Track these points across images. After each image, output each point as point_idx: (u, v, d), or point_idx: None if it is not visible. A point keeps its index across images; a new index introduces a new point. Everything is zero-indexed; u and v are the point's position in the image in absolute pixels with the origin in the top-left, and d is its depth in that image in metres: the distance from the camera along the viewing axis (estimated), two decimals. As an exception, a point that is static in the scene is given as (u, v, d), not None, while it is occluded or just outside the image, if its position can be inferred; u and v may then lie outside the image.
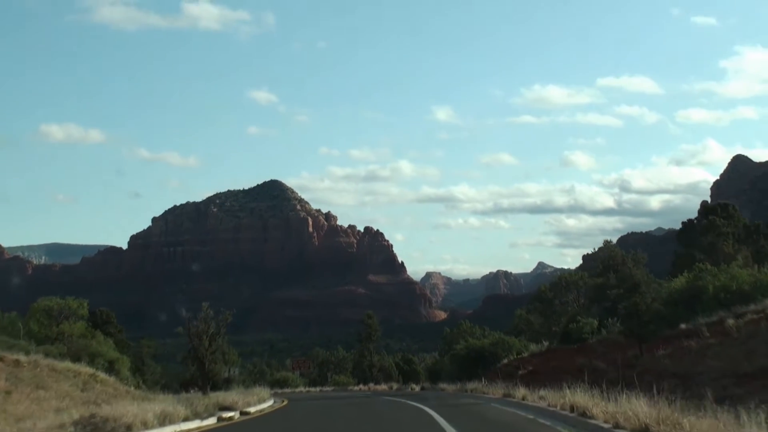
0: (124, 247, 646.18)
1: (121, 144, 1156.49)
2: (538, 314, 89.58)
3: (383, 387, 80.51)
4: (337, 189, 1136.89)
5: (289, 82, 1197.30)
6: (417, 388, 76.48)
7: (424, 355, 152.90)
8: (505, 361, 66.95)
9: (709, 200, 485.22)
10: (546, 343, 67.31)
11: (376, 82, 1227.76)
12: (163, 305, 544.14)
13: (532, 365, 56.55)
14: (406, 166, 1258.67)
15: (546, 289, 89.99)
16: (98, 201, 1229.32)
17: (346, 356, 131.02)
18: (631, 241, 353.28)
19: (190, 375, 70.10)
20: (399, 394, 63.74)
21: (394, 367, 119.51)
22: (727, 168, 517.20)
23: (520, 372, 54.04)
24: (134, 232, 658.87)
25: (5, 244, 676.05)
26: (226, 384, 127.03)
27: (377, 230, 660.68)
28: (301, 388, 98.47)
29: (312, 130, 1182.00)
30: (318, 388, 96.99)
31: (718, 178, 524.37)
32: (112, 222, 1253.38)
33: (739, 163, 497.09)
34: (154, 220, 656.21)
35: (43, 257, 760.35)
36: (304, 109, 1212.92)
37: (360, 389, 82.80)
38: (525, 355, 66.18)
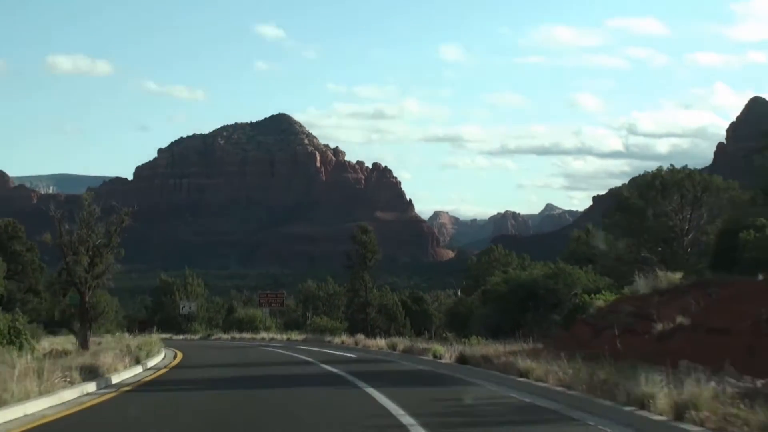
0: (130, 178, 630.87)
1: (128, 76, 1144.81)
2: (620, 231, 57.36)
3: (378, 344, 49.28)
4: (344, 126, 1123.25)
5: (297, 17, 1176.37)
6: (446, 353, 34.75)
7: (437, 293, 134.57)
8: (598, 304, 37.45)
9: (725, 142, 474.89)
10: (675, 275, 32.46)
11: (384, 19, 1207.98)
12: (168, 237, 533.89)
13: (671, 317, 24.73)
14: (413, 105, 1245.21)
15: (632, 195, 56.63)
16: (106, 132, 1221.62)
17: (337, 291, 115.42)
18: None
19: (60, 311, 52.76)
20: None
21: (399, 307, 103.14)
22: (744, 110, 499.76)
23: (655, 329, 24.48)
24: (140, 164, 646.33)
25: (14, 174, 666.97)
26: (186, 321, 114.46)
27: (385, 167, 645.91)
28: (263, 335, 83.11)
29: (319, 66, 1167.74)
30: (282, 335, 78.64)
31: (734, 120, 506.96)
32: (119, 153, 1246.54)
33: (756, 105, 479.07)
34: (160, 151, 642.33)
35: (51, 187, 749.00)
36: (311, 44, 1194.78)
37: (342, 343, 58.41)
38: (625, 293, 36.34)
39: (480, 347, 34.69)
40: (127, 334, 77.65)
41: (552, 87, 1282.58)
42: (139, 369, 33.42)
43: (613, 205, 63.67)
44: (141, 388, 26.29)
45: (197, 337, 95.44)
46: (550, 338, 37.01)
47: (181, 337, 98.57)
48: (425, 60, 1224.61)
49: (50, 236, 52.39)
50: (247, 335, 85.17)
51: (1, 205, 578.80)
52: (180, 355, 48.71)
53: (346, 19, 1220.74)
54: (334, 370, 32.75)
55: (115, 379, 27.60)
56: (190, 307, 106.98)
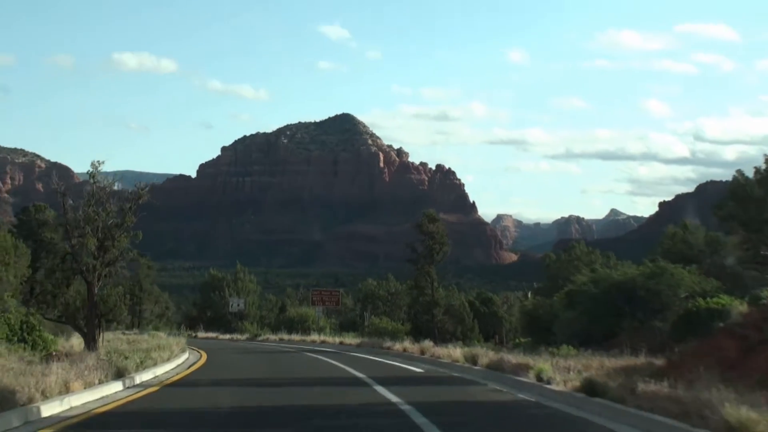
0: (193, 175, 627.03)
1: (193, 74, 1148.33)
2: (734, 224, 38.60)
3: (452, 354, 36.84)
4: (408, 127, 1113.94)
5: (361, 17, 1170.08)
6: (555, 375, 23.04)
7: (506, 294, 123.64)
8: (740, 310, 29.04)
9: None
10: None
11: (449, 20, 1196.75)
12: (231, 235, 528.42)
13: None
14: (477, 107, 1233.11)
15: (749, 183, 38.59)
16: (170, 130, 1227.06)
17: (400, 290, 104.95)
18: (710, 190, 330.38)
19: (62, 307, 42.67)
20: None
21: (467, 308, 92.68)
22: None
23: None
24: (204, 161, 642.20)
25: (81, 170, 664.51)
26: (236, 319, 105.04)
27: (449, 168, 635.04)
28: (314, 337, 73.43)
29: (383, 68, 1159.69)
30: (334, 338, 68.48)
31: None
32: (183, 151, 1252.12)
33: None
34: (223, 149, 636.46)
35: (117, 184, 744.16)
36: (375, 45, 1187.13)
37: (404, 350, 45.77)
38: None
39: (585, 361, 26.38)
40: (162, 333, 68.68)
41: (617, 91, 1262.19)
42: (114, 387, 23.36)
43: (727, 194, 52.83)
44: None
45: (243, 337, 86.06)
46: (674, 352, 26.91)
47: (227, 336, 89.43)
48: (490, 62, 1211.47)
49: (54, 213, 43.29)
50: (296, 337, 75.69)
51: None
52: (200, 363, 39.26)
53: (411, 20, 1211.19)
54: (395, 399, 21.60)
55: (45, 411, 17.44)
56: (239, 305, 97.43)
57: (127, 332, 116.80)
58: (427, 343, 42.35)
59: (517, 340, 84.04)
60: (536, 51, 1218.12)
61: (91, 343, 41.13)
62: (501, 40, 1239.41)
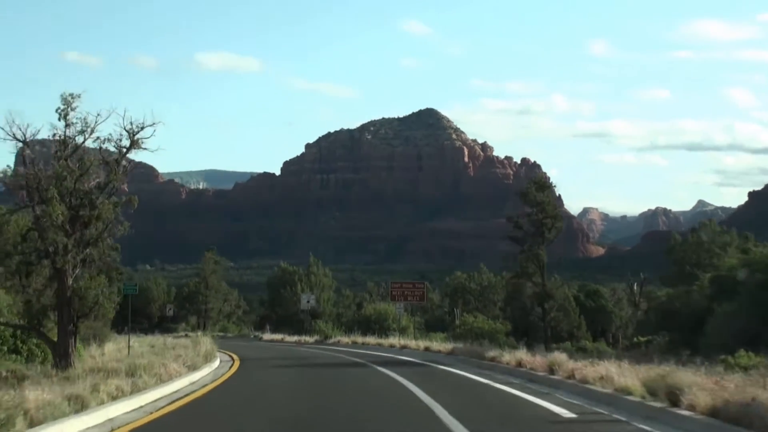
0: (278, 173, 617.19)
1: (276, 73, 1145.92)
2: None
3: (616, 380, 20.37)
4: (491, 122, 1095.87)
5: (443, 13, 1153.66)
6: None
7: (612, 286, 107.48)
8: None
9: None
10: None
11: (530, 14, 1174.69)
12: (315, 232, 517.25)
13: None
14: (560, 100, 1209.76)
15: None
16: (254, 128, 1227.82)
17: (492, 282, 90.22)
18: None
19: (25, 302, 29.18)
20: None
21: (572, 302, 77.25)
22: None
23: None
24: (287, 159, 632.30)
25: (165, 170, 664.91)
26: (309, 318, 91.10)
27: (534, 161, 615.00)
28: (394, 340, 58.12)
29: (465, 63, 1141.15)
30: (417, 342, 52.21)
31: None
32: (267, 149, 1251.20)
33: None
34: (307, 146, 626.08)
35: (201, 183, 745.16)
36: (457, 41, 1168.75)
37: (518, 364, 30.50)
38: None
39: None
40: (207, 338, 55.13)
41: (702, 82, 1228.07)
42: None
43: None
44: None
45: (312, 339, 72.18)
46: None
47: (294, 339, 75.66)
48: (572, 55, 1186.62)
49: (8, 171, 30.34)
50: (372, 339, 61.20)
51: (150, 199, 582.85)
52: (201, 392, 24.91)
53: (492, 15, 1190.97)
54: None
55: None
56: (309, 301, 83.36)
57: (190, 334, 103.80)
58: (558, 357, 26.83)
59: (636, 339, 69.66)
60: (619, 42, 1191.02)
61: (61, 357, 27.99)
62: (583, 33, 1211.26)
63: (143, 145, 30.06)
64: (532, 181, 54.90)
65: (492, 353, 34.46)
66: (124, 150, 29.80)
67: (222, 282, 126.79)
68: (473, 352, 37.78)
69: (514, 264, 57.14)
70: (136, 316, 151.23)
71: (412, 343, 52.41)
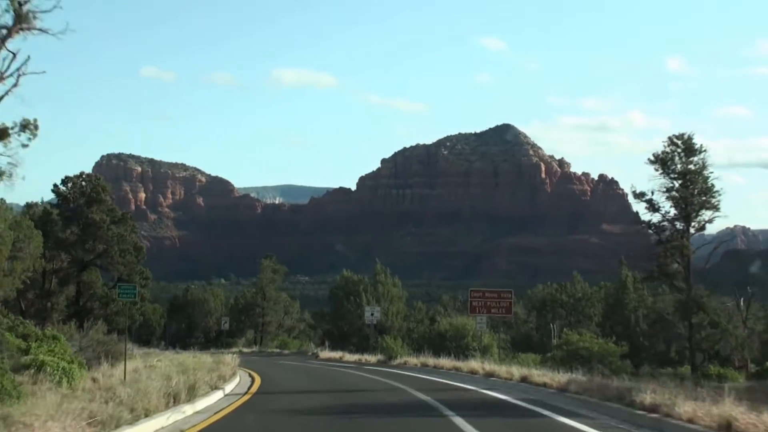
0: (353, 188, 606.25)
1: (351, 89, 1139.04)
2: None
3: None
4: (567, 139, 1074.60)
5: (518, 29, 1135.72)
6: None
7: (722, 299, 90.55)
8: None
9: None
10: None
11: (607, 30, 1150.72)
12: (391, 248, 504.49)
13: None
14: (637, 117, 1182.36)
15: None
16: (329, 143, 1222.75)
17: (588, 294, 75.56)
18: None
19: None
20: None
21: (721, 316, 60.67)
22: None
23: None
24: (363, 174, 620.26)
25: (242, 185, 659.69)
26: (375, 333, 76.83)
27: (612, 178, 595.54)
28: (475, 364, 42.86)
29: (541, 79, 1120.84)
30: (509, 369, 37.97)
31: None
32: (343, 164, 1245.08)
33: None
34: (383, 161, 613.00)
35: (278, 198, 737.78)
36: (533, 56, 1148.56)
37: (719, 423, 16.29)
38: None
39: None
40: (229, 356, 42.11)
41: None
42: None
43: None
44: None
45: (375, 359, 58.05)
46: None
47: (354, 358, 62.00)
48: (650, 72, 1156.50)
49: None
50: (447, 362, 46.41)
51: (226, 213, 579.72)
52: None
53: (567, 31, 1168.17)
54: None
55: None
56: (373, 314, 69.36)
57: (245, 350, 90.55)
58: None
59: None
60: (695, 59, 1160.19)
61: None
62: (659, 49, 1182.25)
63: (37, 23, 16.41)
64: (673, 140, 39.17)
65: (645, 397, 20.07)
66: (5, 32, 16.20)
67: (281, 293, 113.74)
68: (608, 391, 23.07)
69: (643, 262, 42.35)
70: (192, 331, 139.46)
71: (500, 369, 37.83)
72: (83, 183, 61.57)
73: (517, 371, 35.22)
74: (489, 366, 40.22)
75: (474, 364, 42.35)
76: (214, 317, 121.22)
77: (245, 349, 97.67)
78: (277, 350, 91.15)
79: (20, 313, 48.24)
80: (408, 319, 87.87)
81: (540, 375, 32.06)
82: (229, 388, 30.71)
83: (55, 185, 61.88)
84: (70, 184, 61.06)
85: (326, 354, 69.76)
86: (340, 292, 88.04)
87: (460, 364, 44.08)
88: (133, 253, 61.67)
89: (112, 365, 35.31)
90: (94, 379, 28.09)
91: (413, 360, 50.74)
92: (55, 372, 26.89)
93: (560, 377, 30.00)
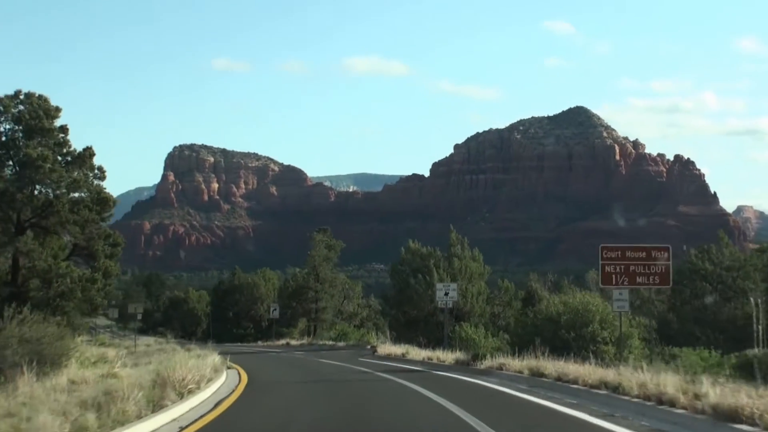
0: (426, 174, 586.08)
1: (422, 76, 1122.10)
2: None
3: None
4: (639, 121, 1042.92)
5: (586, 12, 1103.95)
6: None
7: None
8: None
9: None
10: None
11: (675, 12, 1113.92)
12: (465, 233, 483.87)
13: None
14: (710, 98, 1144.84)
15: None
16: (402, 131, 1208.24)
17: (742, 260, 54.73)
18: None
19: None
20: None
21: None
22: None
23: None
24: (436, 160, 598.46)
25: (315, 174, 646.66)
26: (451, 319, 55.78)
27: (687, 158, 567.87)
28: (612, 374, 21.29)
29: (610, 61, 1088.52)
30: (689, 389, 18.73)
31: None
32: (416, 151, 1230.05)
33: None
34: (456, 147, 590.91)
35: (351, 186, 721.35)
36: (601, 39, 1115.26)
37: None
38: None
39: None
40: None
41: None
42: None
43: None
44: None
45: (452, 359, 37.43)
46: None
47: (422, 355, 42.12)
48: (721, 52, 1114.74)
49: None
50: (570, 366, 25.51)
51: (299, 201, 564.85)
52: None
53: (636, 13, 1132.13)
54: None
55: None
56: (448, 293, 48.99)
57: (292, 342, 72.11)
58: None
59: None
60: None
61: None
62: (731, 29, 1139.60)
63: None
64: None
65: None
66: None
67: (339, 273, 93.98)
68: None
69: None
70: (240, 320, 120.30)
71: (696, 396, 17.43)
72: (20, 106, 41.55)
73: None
74: (650, 377, 19.74)
75: (610, 373, 21.85)
76: (265, 304, 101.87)
77: (293, 342, 78.31)
78: (331, 342, 71.59)
79: None
80: (492, 302, 67.58)
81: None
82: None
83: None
84: (0, 107, 41.10)
85: (386, 348, 49.72)
86: (405, 268, 67.35)
87: (585, 371, 23.81)
88: (94, 207, 41.84)
89: (42, 375, 23.61)
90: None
91: (513, 362, 30.02)
92: None
93: None
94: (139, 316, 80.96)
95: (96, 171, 42.19)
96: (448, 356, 38.42)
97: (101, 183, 42.66)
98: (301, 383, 29.29)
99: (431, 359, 39.32)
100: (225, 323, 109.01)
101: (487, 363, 32.15)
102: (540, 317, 34.48)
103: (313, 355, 54.74)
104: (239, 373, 31.89)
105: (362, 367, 36.95)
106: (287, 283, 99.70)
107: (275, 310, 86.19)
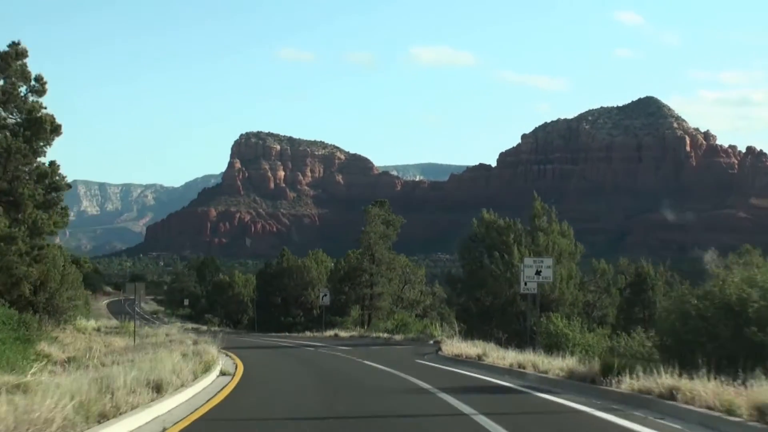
0: (493, 165, 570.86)
1: (490, 66, 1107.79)
2: None
3: None
4: (709, 113, 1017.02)
5: (655, 3, 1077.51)
6: None
7: None
8: None
9: None
10: None
11: (743, 2, 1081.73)
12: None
13: None
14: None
15: None
16: (469, 121, 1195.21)
17: None
18: None
19: None
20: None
21: None
22: None
23: None
24: (503, 150, 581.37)
25: (382, 163, 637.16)
26: (535, 309, 43.45)
27: (760, 150, 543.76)
28: None
29: (680, 52, 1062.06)
30: None
31: None
32: (483, 141, 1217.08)
33: None
34: (523, 137, 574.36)
35: (417, 176, 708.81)
36: (671, 30, 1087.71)
37: None
38: None
39: None
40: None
41: None
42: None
43: None
44: None
45: (556, 369, 23.64)
46: None
47: (508, 360, 27.75)
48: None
49: None
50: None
51: (366, 190, 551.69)
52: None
53: (705, 4, 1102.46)
54: None
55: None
56: (539, 271, 35.21)
57: (342, 334, 58.91)
58: None
59: None
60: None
61: None
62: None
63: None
64: None
65: None
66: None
67: (398, 255, 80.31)
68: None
69: None
70: (288, 307, 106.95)
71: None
72: None
73: None
74: None
75: None
76: (316, 290, 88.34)
77: (342, 333, 64.80)
78: (386, 335, 57.97)
79: None
80: (584, 288, 53.53)
81: None
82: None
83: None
84: None
85: (454, 347, 35.85)
86: (477, 245, 53.38)
87: None
88: (22, 132, 27.80)
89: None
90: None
91: (696, 386, 16.13)
92: None
93: None
94: (142, 303, 68.27)
95: (33, 83, 29.13)
96: (550, 363, 24.59)
97: (38, 99, 29.49)
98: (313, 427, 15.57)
99: (524, 367, 25.60)
100: (272, 310, 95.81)
101: (628, 382, 18.20)
102: (715, 303, 20.25)
103: (361, 351, 41.44)
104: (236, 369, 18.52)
105: (421, 381, 23.13)
106: (339, 265, 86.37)
107: (325, 296, 72.52)
